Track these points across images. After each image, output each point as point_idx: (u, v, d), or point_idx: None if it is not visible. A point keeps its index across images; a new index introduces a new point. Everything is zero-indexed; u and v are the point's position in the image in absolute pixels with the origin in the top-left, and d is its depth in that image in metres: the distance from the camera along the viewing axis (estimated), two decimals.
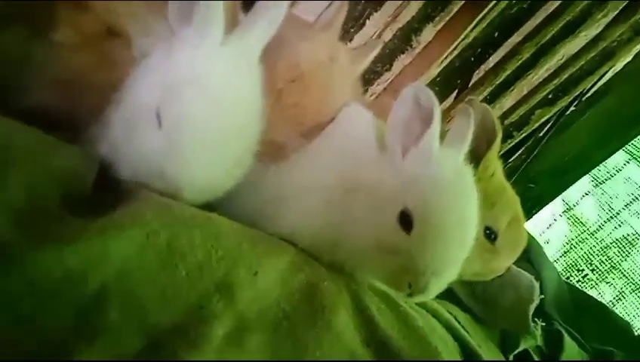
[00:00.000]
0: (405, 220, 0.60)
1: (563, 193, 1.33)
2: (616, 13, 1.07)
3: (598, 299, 1.12)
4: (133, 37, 0.54)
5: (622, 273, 1.42)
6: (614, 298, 1.42)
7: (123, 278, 0.44)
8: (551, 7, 1.03)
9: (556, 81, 1.11)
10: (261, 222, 0.64)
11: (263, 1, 0.61)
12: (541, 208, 1.34)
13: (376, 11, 0.91)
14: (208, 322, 0.47)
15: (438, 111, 0.61)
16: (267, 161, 0.64)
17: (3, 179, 0.41)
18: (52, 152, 0.47)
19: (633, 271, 1.41)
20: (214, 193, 0.57)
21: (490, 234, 0.81)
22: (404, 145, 0.63)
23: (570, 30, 1.05)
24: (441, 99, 1.12)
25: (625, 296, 1.41)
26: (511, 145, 1.20)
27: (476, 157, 0.81)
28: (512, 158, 1.21)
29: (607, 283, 1.43)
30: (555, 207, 1.45)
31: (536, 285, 0.91)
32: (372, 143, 0.67)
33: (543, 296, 0.95)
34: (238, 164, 0.59)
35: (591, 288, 1.44)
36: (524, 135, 1.19)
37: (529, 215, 1.33)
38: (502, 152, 1.19)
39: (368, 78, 0.99)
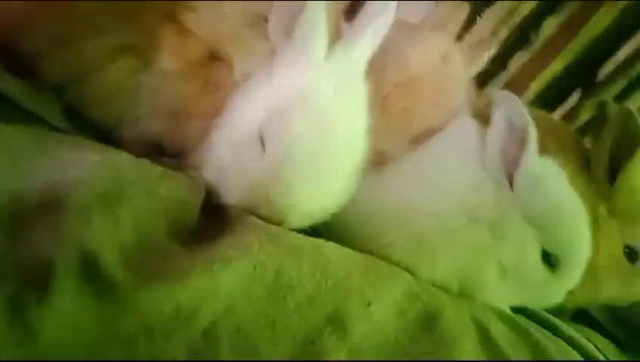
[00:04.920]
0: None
1: None
2: None
3: None
4: (235, 60, 0.53)
5: None
6: None
7: (231, 314, 0.42)
8: None
9: None
10: (363, 241, 0.60)
11: (369, 7, 0.58)
12: None
13: (488, 8, 0.83)
14: (321, 357, 0.44)
15: (533, 130, 0.59)
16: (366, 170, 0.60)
17: (115, 216, 0.41)
18: (160, 183, 0.47)
19: None
20: (321, 217, 0.54)
21: (630, 253, 0.72)
22: (507, 171, 0.60)
23: None
24: (564, 98, 1.01)
25: None
26: None
27: (615, 166, 0.72)
28: None
29: None
30: None
31: None
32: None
33: None
34: (346, 185, 0.55)
35: None
36: None
37: None
38: None
39: (482, 80, 0.91)
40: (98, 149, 0.48)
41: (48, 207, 0.38)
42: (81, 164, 0.42)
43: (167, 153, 0.56)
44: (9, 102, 0.50)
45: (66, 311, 0.35)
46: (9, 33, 0.52)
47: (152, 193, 0.45)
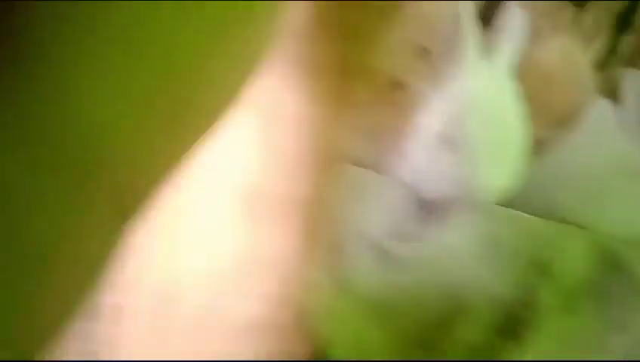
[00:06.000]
0: None
1: None
2: None
3: None
4: (411, 84, 0.69)
5: None
6: None
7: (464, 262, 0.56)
8: None
9: None
10: (537, 213, 0.71)
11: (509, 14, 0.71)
12: None
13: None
14: (538, 293, 0.57)
15: None
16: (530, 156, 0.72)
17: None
18: (388, 189, 0.63)
19: None
20: (501, 196, 0.67)
21: None
22: None
23: None
24: None
25: None
26: None
27: None
28: None
29: None
30: None
31: None
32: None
33: None
34: (518, 167, 0.68)
35: None
36: None
37: None
38: None
39: (599, 64, 1.01)
40: None
41: None
42: None
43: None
44: None
45: None
46: None
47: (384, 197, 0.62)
